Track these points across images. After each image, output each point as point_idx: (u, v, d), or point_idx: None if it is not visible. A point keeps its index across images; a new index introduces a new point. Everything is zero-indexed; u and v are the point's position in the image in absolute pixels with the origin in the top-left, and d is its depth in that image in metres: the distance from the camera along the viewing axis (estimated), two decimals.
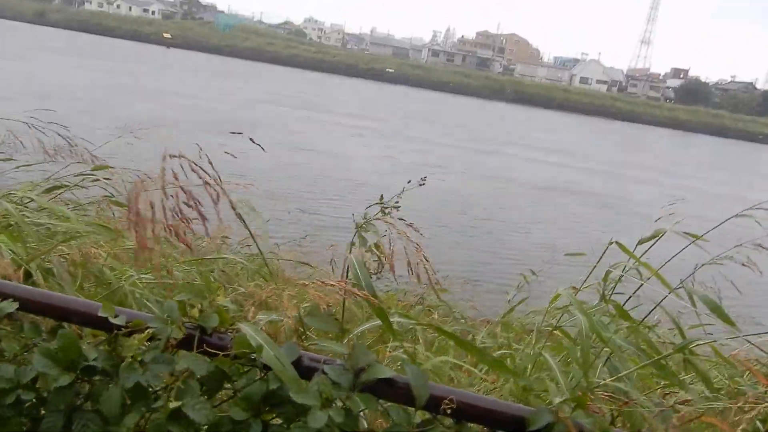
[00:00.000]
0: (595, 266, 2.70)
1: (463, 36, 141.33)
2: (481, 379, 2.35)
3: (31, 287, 1.52)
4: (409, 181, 3.20)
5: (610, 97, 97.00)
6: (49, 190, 4.05)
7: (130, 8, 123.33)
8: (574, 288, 2.59)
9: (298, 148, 22.45)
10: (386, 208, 3.37)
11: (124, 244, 3.65)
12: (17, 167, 4.27)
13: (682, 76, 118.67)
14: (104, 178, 4.06)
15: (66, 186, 4.04)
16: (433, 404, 1.24)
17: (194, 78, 47.90)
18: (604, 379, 2.05)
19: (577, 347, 1.84)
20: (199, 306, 1.38)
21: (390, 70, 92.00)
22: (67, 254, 3.10)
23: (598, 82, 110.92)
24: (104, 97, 28.17)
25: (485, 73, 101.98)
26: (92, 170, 4.07)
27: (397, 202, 3.22)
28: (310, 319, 1.29)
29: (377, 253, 3.48)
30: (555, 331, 2.64)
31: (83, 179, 4.05)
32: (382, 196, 3.28)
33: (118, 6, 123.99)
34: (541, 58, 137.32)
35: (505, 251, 13.37)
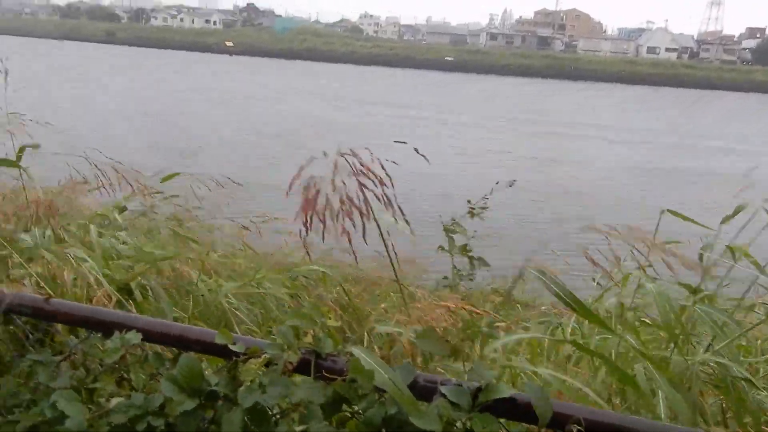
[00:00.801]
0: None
1: (521, 16, 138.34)
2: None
3: (152, 318, 1.59)
4: (497, 182, 3.18)
5: (681, 65, 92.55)
6: (140, 215, 4.24)
7: (192, 20, 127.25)
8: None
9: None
10: (474, 209, 3.37)
11: (210, 257, 3.79)
12: (94, 188, 4.50)
13: (758, 35, 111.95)
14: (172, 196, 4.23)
15: (150, 208, 4.21)
16: (558, 422, 1.22)
17: (271, 84, 48.95)
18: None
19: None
20: (312, 332, 1.42)
21: (449, 59, 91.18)
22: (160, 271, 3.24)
23: (668, 50, 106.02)
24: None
25: (546, 53, 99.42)
26: (163, 180, 4.24)
27: (485, 204, 3.21)
28: (422, 342, 1.30)
29: (466, 254, 3.47)
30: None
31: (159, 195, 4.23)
32: (469, 200, 3.29)
33: (182, 19, 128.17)
34: (605, 31, 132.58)
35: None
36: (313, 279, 3.99)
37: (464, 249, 3.26)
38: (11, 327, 1.81)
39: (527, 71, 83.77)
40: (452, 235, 3.33)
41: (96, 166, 3.34)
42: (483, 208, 3.34)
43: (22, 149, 3.26)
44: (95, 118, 24.43)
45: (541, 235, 12.98)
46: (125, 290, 2.97)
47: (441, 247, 3.46)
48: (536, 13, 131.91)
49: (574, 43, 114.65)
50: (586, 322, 3.32)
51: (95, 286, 2.71)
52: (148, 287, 3.09)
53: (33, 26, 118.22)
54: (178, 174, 3.76)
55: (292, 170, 1.67)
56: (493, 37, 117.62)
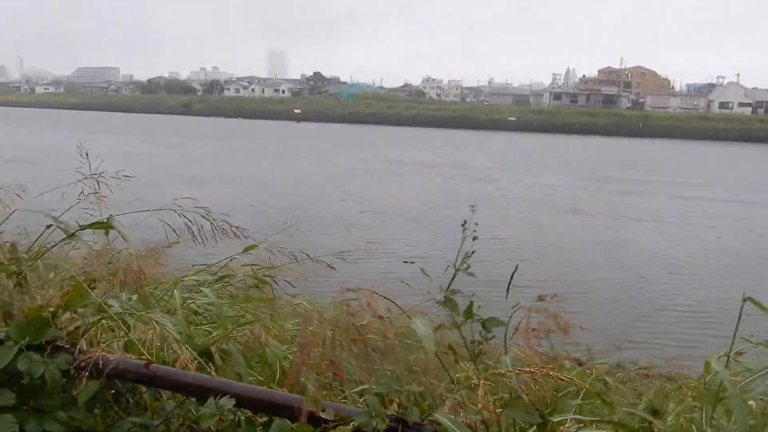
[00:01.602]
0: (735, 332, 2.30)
1: (584, 75, 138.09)
2: None
3: (245, 384, 1.67)
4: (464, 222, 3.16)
5: (757, 119, 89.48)
6: (218, 280, 4.42)
7: (263, 90, 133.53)
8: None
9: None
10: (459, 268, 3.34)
11: (286, 325, 3.90)
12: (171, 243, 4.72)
13: None
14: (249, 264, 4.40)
15: (229, 276, 4.39)
16: None
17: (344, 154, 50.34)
18: None
19: None
20: (398, 400, 1.46)
21: (512, 119, 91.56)
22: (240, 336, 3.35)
23: (741, 105, 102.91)
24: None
25: (612, 110, 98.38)
26: (244, 250, 4.43)
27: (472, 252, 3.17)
28: (510, 412, 1.31)
29: (474, 319, 3.43)
30: None
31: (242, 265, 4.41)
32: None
33: (253, 90, 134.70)
34: (672, 88, 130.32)
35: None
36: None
37: (470, 314, 3.21)
38: (113, 391, 1.92)
39: (593, 129, 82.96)
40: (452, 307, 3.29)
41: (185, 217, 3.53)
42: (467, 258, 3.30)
43: (109, 219, 3.50)
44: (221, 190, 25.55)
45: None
46: (205, 354, 3.09)
47: (440, 326, 3.43)
48: (600, 71, 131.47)
49: (641, 100, 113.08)
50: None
51: (178, 351, 2.84)
52: (227, 351, 3.21)
53: (118, 102, 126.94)
54: (256, 246, 3.93)
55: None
56: (556, 96, 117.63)
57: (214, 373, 2.92)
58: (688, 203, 26.33)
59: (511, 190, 29.16)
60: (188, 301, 3.58)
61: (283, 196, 24.60)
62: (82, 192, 3.27)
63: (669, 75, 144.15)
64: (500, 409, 1.35)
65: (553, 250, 16.42)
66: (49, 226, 2.74)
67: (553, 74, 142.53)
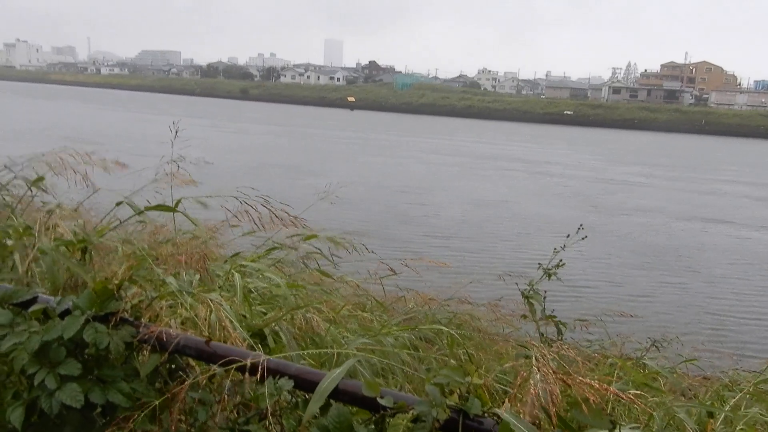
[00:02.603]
0: None
1: (646, 70, 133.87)
2: None
3: (302, 366, 1.67)
4: (568, 235, 3.08)
5: None
6: (267, 251, 4.47)
7: (318, 78, 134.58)
8: None
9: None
10: (549, 271, 3.26)
11: (341, 308, 3.91)
12: (242, 234, 4.80)
13: None
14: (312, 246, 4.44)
15: (278, 247, 4.44)
16: None
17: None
18: None
19: None
20: (458, 391, 1.43)
21: (568, 112, 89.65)
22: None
23: None
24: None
25: (675, 106, 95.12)
26: (305, 239, 4.48)
27: (559, 264, 3.10)
28: (578, 414, 1.27)
29: (552, 321, 3.34)
30: None
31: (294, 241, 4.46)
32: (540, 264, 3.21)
33: (308, 77, 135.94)
34: (739, 84, 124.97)
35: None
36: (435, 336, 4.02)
37: (548, 316, 3.18)
38: (173, 365, 1.95)
39: (652, 125, 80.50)
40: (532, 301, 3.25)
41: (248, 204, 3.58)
42: (558, 267, 3.25)
43: (178, 202, 3.57)
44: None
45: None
46: (258, 335, 3.12)
47: (524, 316, 3.37)
48: (663, 66, 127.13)
49: (705, 96, 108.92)
50: None
51: (231, 330, 2.88)
52: (279, 333, 3.24)
53: (178, 85, 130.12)
54: (316, 236, 3.97)
55: None
56: (615, 90, 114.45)
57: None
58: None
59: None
60: (246, 281, 3.63)
61: (412, 205, 21.56)
62: (157, 174, 3.35)
63: (736, 71, 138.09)
64: (567, 409, 1.30)
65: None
66: (119, 203, 2.81)
67: (613, 68, 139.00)
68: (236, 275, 3.19)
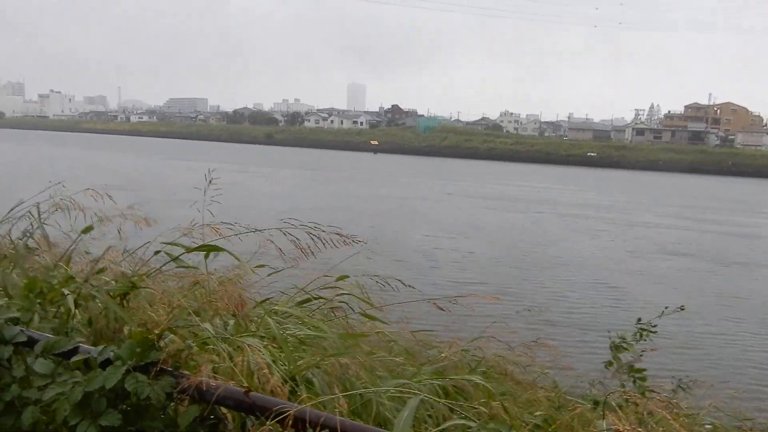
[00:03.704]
0: None
1: (669, 111, 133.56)
2: None
3: (346, 419, 1.66)
4: (666, 308, 3.02)
5: None
6: (300, 304, 4.48)
7: (341, 122, 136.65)
8: None
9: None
10: (644, 329, 3.20)
11: (373, 354, 3.88)
12: (269, 274, 4.82)
13: None
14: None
15: (313, 298, 4.44)
16: None
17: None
18: None
19: None
20: None
21: (592, 154, 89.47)
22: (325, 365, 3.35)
23: None
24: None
25: (700, 147, 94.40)
26: (336, 281, 4.48)
27: (654, 326, 3.04)
28: None
29: (633, 376, 3.26)
30: None
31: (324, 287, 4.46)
32: (639, 319, 3.14)
33: (332, 121, 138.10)
34: (766, 125, 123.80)
35: None
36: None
37: (633, 369, 3.11)
38: (212, 416, 1.95)
39: (677, 167, 79.83)
40: (619, 354, 3.19)
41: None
42: (652, 330, 3.19)
43: (208, 248, 3.61)
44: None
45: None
46: (292, 380, 3.11)
47: (609, 363, 3.31)
48: (686, 107, 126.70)
49: (730, 137, 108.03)
50: None
51: (268, 376, 2.87)
52: (313, 380, 3.22)
53: (205, 131, 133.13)
54: (347, 276, 3.98)
55: None
56: (639, 132, 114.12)
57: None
58: None
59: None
60: (283, 327, 3.63)
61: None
62: (194, 221, 3.40)
63: (762, 112, 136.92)
64: None
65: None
66: (157, 252, 2.86)
67: (636, 110, 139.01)
68: (272, 322, 3.19)
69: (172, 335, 2.13)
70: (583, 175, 66.00)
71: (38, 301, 2.41)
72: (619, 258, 20.51)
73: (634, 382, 3.32)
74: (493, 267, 17.91)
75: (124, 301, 2.63)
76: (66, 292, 2.57)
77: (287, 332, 3.43)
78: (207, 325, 3.29)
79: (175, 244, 2.94)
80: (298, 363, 3.24)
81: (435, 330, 4.93)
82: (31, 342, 2.11)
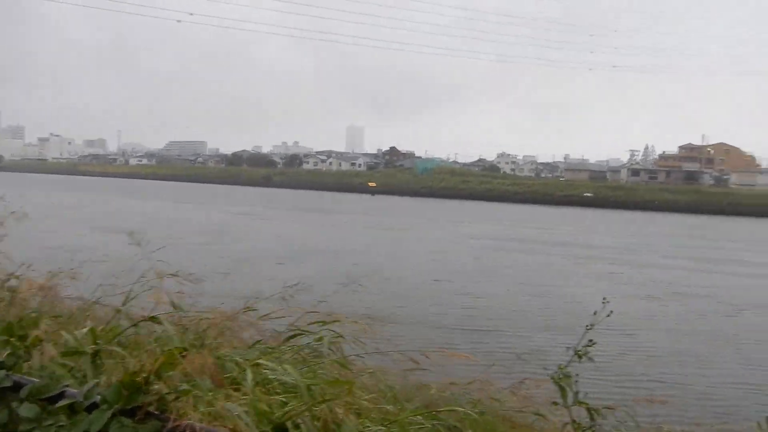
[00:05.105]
0: None
1: (664, 152, 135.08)
2: None
3: None
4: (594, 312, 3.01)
5: None
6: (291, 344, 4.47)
7: (340, 164, 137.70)
8: None
9: None
10: (579, 352, 3.18)
11: (362, 396, 3.85)
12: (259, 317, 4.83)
13: None
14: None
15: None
16: None
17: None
18: None
19: None
20: None
21: (588, 194, 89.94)
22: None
23: None
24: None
25: (695, 187, 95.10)
26: (324, 324, 4.49)
27: (589, 344, 3.02)
28: None
29: (584, 406, 3.23)
30: None
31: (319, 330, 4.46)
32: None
33: (330, 163, 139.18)
34: (759, 165, 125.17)
35: None
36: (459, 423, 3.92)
37: (578, 399, 3.08)
38: None
39: (673, 207, 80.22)
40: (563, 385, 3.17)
41: None
42: (588, 346, 3.19)
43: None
44: None
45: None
46: (280, 428, 3.08)
47: (555, 403, 3.29)
48: (681, 148, 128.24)
49: (725, 177, 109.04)
50: None
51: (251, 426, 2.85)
52: (300, 426, 3.19)
53: (204, 173, 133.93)
54: (338, 321, 3.98)
55: None
56: (634, 172, 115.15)
57: None
58: None
59: None
60: (264, 372, 3.61)
61: None
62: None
63: (755, 151, 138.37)
64: None
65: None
66: (118, 311, 2.88)
67: (631, 150, 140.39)
68: (248, 371, 3.17)
69: (158, 379, 2.14)
70: (584, 216, 66.16)
71: (24, 345, 2.42)
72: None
73: (589, 413, 3.32)
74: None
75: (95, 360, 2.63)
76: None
77: (273, 377, 3.41)
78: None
79: None
80: (286, 409, 3.22)
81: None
82: (16, 387, 2.12)
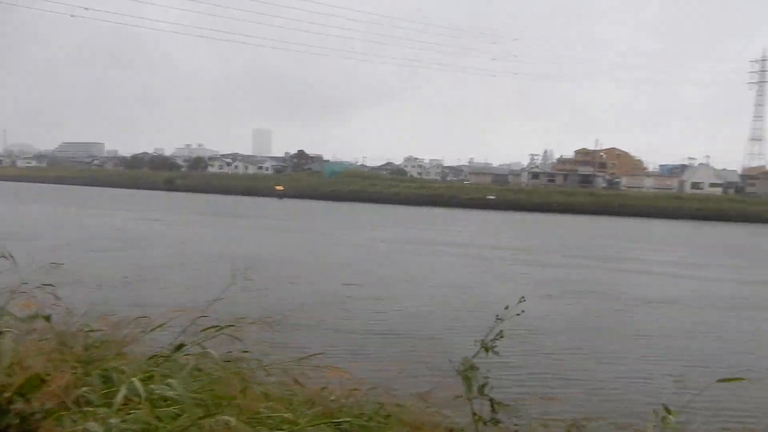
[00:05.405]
0: None
1: (561, 156, 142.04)
2: None
3: None
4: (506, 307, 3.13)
5: (727, 199, 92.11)
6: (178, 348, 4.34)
7: (246, 167, 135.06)
8: None
9: None
10: (486, 346, 3.28)
11: (258, 405, 3.79)
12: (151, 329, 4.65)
13: None
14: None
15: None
16: None
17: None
18: None
19: None
20: None
21: (491, 197, 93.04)
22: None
23: (712, 185, 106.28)
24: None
25: (589, 190, 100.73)
26: (217, 330, 4.39)
27: (499, 335, 3.13)
28: None
29: (486, 397, 3.30)
30: None
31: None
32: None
33: (236, 166, 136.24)
34: (645, 168, 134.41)
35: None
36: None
37: (483, 391, 3.16)
38: None
39: (572, 208, 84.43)
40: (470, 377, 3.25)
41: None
42: (496, 339, 3.31)
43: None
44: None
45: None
46: None
47: (458, 396, 3.37)
48: (576, 152, 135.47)
49: (616, 180, 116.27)
50: None
51: None
52: None
53: (101, 176, 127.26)
54: (231, 326, 3.89)
55: None
56: (534, 175, 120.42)
57: None
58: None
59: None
60: (154, 385, 3.48)
61: None
62: None
63: (642, 156, 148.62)
64: None
65: None
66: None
67: (531, 155, 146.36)
68: (137, 381, 3.05)
69: (22, 399, 2.01)
70: (489, 218, 68.39)
71: None
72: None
73: (491, 404, 3.42)
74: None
75: None
76: None
77: (159, 392, 3.29)
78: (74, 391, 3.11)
79: None
80: (175, 423, 3.11)
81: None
82: None
